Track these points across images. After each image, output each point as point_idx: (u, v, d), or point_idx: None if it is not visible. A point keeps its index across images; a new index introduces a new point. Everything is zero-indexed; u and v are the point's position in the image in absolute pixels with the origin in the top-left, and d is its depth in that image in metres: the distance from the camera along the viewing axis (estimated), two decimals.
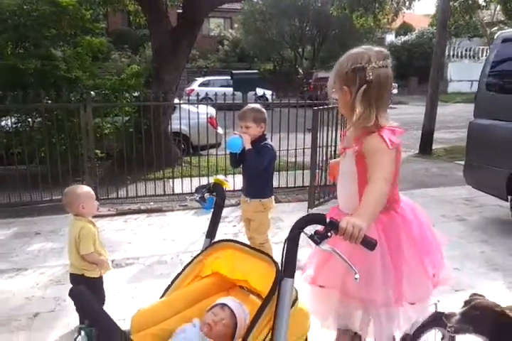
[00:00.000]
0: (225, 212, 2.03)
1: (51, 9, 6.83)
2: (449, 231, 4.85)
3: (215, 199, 2.10)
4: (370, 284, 1.90)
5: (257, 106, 3.59)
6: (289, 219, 5.45)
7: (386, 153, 1.78)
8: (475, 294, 2.23)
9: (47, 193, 5.98)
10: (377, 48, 1.91)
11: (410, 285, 1.96)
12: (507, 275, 4.01)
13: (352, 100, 1.85)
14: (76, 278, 3.02)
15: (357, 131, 1.92)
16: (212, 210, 6.05)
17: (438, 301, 2.25)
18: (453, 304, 2.20)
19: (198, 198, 2.03)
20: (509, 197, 5.02)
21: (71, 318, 3.24)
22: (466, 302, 2.11)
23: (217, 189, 2.05)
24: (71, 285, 3.11)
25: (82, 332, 1.39)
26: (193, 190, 6.42)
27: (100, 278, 3.03)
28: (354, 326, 2.11)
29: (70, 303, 3.35)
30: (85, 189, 2.98)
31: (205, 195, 2.04)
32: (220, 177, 2.10)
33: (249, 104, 3.65)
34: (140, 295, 3.56)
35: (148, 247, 4.66)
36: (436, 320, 2.26)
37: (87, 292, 1.37)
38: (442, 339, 2.44)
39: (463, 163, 5.83)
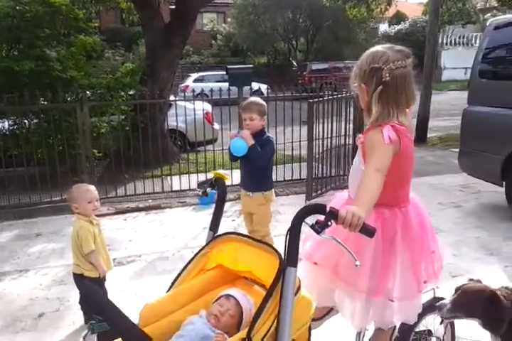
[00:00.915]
0: (225, 206, 2.07)
1: (44, 10, 6.82)
2: (446, 217, 4.92)
3: (216, 193, 2.14)
4: (357, 271, 1.94)
5: (259, 99, 3.66)
6: (287, 211, 5.49)
7: (382, 147, 1.82)
8: (471, 279, 2.29)
9: (46, 194, 6.02)
10: (398, 47, 1.93)
11: (395, 283, 2.01)
12: (502, 259, 4.08)
13: (369, 99, 1.91)
14: (77, 278, 3.07)
15: (368, 124, 1.97)
16: (210, 205, 6.07)
17: (437, 287, 2.30)
18: (451, 290, 2.25)
19: (200, 193, 2.07)
20: (504, 183, 5.08)
21: (76, 317, 3.30)
22: (457, 289, 2.16)
23: (218, 183, 2.09)
24: (74, 285, 3.17)
25: (94, 328, 1.42)
26: (192, 187, 6.48)
27: (100, 279, 3.06)
28: (331, 303, 2.21)
29: (74, 303, 3.43)
30: (82, 189, 3.00)
31: (208, 189, 2.08)
32: (221, 171, 2.14)
33: (250, 97, 3.70)
34: (143, 292, 3.62)
35: (149, 244, 4.71)
36: (435, 305, 2.32)
37: (99, 290, 1.40)
38: (441, 323, 2.50)
39: (458, 150, 5.87)
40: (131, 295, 3.57)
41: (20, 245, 4.79)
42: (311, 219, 1.62)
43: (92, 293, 1.41)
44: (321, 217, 1.60)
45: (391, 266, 1.98)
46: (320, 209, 1.61)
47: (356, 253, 1.57)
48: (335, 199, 2.24)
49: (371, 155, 1.85)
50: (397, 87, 1.88)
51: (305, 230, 1.64)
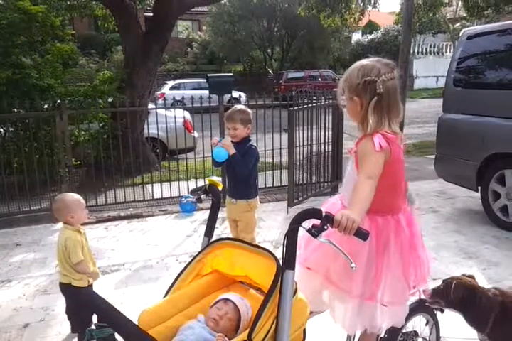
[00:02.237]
0: (207, 214, 2.09)
1: (20, 17, 6.75)
2: (424, 223, 5.03)
3: (196, 204, 2.17)
4: (350, 276, 2.02)
5: (244, 107, 3.65)
6: (269, 218, 5.55)
7: (372, 155, 1.90)
8: (463, 274, 2.39)
9: (25, 204, 5.94)
10: (384, 60, 2.03)
11: (387, 287, 2.06)
12: (480, 262, 4.20)
13: (364, 111, 1.98)
14: (64, 287, 3.04)
15: (361, 134, 2.04)
16: (192, 213, 6.06)
17: (421, 289, 2.37)
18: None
19: (194, 200, 2.10)
20: (479, 188, 5.24)
21: (62, 327, 3.27)
22: (444, 280, 2.28)
23: (212, 189, 2.13)
24: (61, 295, 3.14)
25: (93, 334, 1.44)
26: (173, 195, 6.48)
27: (89, 287, 3.05)
28: (322, 308, 2.26)
29: (59, 312, 3.40)
30: (75, 197, 3.00)
31: (202, 196, 2.11)
32: (214, 178, 2.18)
33: (235, 106, 3.70)
34: (129, 300, 3.60)
35: (132, 253, 4.68)
36: (421, 306, 2.40)
37: (99, 296, 1.42)
38: (426, 324, 2.58)
39: (433, 157, 6.02)
40: (117, 304, 3.54)
41: (0, 255, 4.71)
42: (307, 224, 1.67)
43: (94, 299, 1.42)
44: (317, 222, 1.65)
45: (383, 272, 2.04)
46: (316, 213, 1.66)
47: (351, 258, 1.63)
48: (327, 205, 2.29)
49: (363, 163, 1.92)
50: (390, 97, 1.97)
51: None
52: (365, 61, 2.04)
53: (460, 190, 5.93)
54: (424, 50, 27.06)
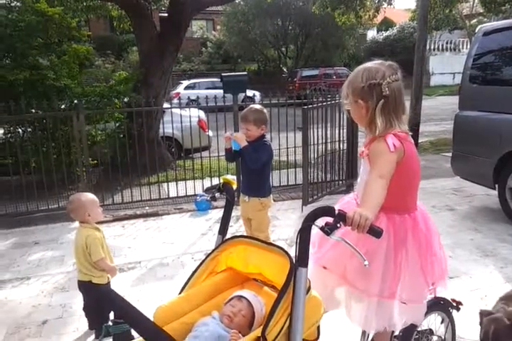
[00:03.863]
0: (221, 212, 2.11)
1: (37, 19, 6.86)
2: (440, 221, 4.99)
3: (210, 202, 2.18)
4: (368, 275, 2.01)
5: (259, 107, 3.64)
6: (284, 217, 5.56)
7: (386, 155, 1.90)
8: (484, 314, 2.28)
9: (43, 203, 6.03)
10: (388, 63, 2.04)
11: (406, 285, 2.06)
12: (498, 260, 4.16)
13: (370, 114, 1.99)
14: (84, 285, 3.09)
15: (370, 137, 2.04)
16: (207, 212, 6.09)
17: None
18: (448, 290, 2.31)
19: (209, 198, 2.12)
20: (496, 186, 5.18)
21: (79, 323, 3.32)
22: (486, 336, 2.18)
23: (226, 188, 2.14)
24: (79, 292, 3.20)
25: (110, 330, 1.47)
26: (188, 193, 6.54)
27: (108, 284, 3.10)
28: (336, 308, 2.25)
29: (77, 309, 3.45)
30: (90, 196, 3.05)
31: (216, 194, 2.12)
32: (228, 176, 2.19)
33: (251, 105, 3.69)
34: (145, 297, 3.64)
35: (148, 251, 4.73)
36: (436, 304, 2.39)
37: (115, 293, 1.45)
38: (442, 322, 2.56)
39: (450, 154, 5.97)
40: (133, 301, 3.56)
41: (20, 253, 4.79)
42: (320, 222, 1.68)
43: (112, 296, 1.45)
44: (330, 219, 1.66)
45: (402, 270, 2.04)
46: (329, 211, 1.67)
47: (368, 257, 1.63)
48: (341, 203, 2.29)
49: (376, 162, 1.93)
50: (396, 98, 1.98)
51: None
52: (368, 64, 2.05)
53: (477, 188, 5.87)
54: (440, 47, 26.79)
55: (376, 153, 1.94)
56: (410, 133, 2.08)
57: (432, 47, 26.07)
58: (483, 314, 2.25)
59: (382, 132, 1.96)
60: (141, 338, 1.62)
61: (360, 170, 2.21)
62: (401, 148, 1.94)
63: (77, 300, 3.44)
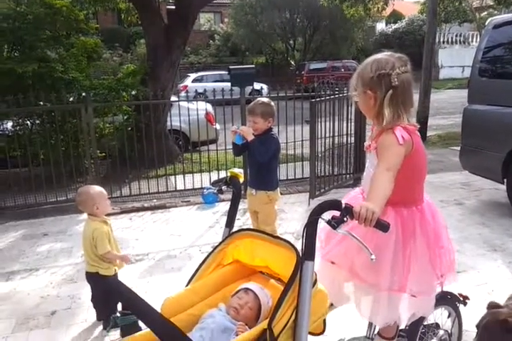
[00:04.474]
0: (228, 205, 2.12)
1: (45, 11, 6.87)
2: (448, 215, 4.98)
3: (217, 195, 2.19)
4: (377, 269, 2.01)
5: (267, 100, 3.64)
6: (291, 210, 5.56)
7: (394, 147, 1.89)
8: (490, 305, 2.26)
9: (51, 195, 6.07)
10: (397, 54, 2.03)
11: (415, 277, 2.06)
12: (506, 255, 4.15)
13: (379, 104, 1.98)
14: (91, 276, 3.13)
15: (379, 129, 2.03)
16: (214, 205, 6.10)
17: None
18: (455, 285, 2.30)
19: (215, 191, 2.13)
20: (505, 180, 5.15)
21: (88, 315, 3.36)
22: (477, 327, 2.17)
23: (233, 181, 2.15)
24: (87, 284, 3.23)
25: (118, 321, 1.48)
26: (195, 186, 6.56)
27: (115, 276, 3.13)
28: (344, 303, 2.26)
29: (85, 300, 3.49)
30: (98, 189, 3.08)
31: (223, 187, 2.13)
32: (235, 170, 2.19)
33: (258, 98, 3.68)
34: (153, 289, 3.67)
35: (155, 243, 4.76)
36: (443, 298, 2.38)
37: (123, 285, 1.46)
38: (448, 317, 2.56)
39: (458, 148, 5.94)
40: (142, 293, 3.61)
41: (28, 245, 4.84)
42: (326, 216, 1.68)
43: (119, 288, 1.47)
44: (337, 213, 1.66)
45: (412, 262, 2.04)
46: (335, 205, 1.67)
47: (376, 250, 1.63)
48: (348, 198, 2.29)
49: (383, 155, 1.92)
50: (405, 90, 1.97)
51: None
52: (378, 55, 2.04)
53: (485, 182, 5.85)
54: (449, 40, 26.53)
55: (384, 146, 1.93)
56: (418, 126, 2.07)
57: (442, 40, 25.83)
58: (490, 305, 2.25)
59: (390, 123, 1.95)
60: (148, 329, 1.63)
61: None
62: (410, 140, 1.93)
63: (86, 291, 3.47)
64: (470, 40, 26.48)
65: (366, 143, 2.13)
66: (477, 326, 2.16)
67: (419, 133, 2.08)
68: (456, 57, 24.93)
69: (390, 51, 2.09)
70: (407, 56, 2.06)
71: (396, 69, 1.95)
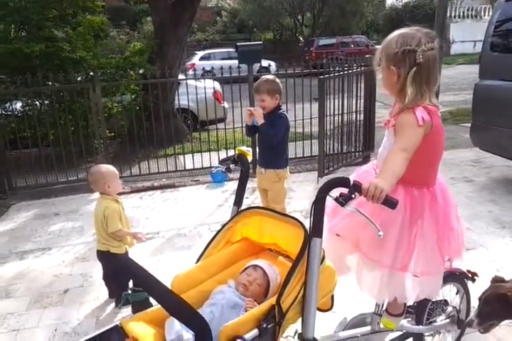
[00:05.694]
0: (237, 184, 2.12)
1: None
2: (458, 192, 4.95)
3: (226, 173, 2.20)
4: (381, 246, 2.01)
5: (271, 77, 3.62)
6: (300, 188, 5.57)
7: (413, 128, 1.85)
8: (494, 279, 2.28)
9: (62, 174, 6.12)
10: (425, 30, 1.95)
11: (419, 258, 2.05)
12: None
13: (402, 81, 1.92)
14: (102, 255, 3.18)
15: (400, 106, 1.98)
16: (223, 183, 6.12)
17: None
18: (464, 262, 2.31)
19: (224, 169, 2.13)
20: None
21: (99, 292, 3.42)
22: (479, 299, 2.18)
23: (241, 159, 2.15)
24: (99, 262, 3.29)
25: (129, 298, 1.50)
26: (204, 165, 6.57)
27: (126, 254, 3.17)
28: (347, 274, 2.25)
29: (96, 279, 3.55)
30: (110, 168, 3.10)
31: (231, 165, 2.13)
32: (243, 148, 2.18)
33: (263, 76, 3.67)
34: (164, 267, 3.72)
35: (166, 222, 4.81)
36: (451, 275, 2.39)
37: (134, 262, 1.49)
38: (457, 293, 2.58)
39: (469, 125, 5.87)
40: (152, 270, 3.64)
41: (40, 224, 4.91)
42: (335, 193, 1.68)
43: (130, 265, 1.49)
44: (345, 190, 1.66)
45: (417, 242, 2.03)
46: (344, 182, 1.66)
47: (382, 227, 1.63)
48: (359, 172, 2.27)
49: (401, 135, 1.88)
50: (429, 68, 1.91)
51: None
52: (404, 30, 1.96)
53: (496, 159, 5.79)
54: (461, 14, 25.97)
55: (403, 125, 1.89)
56: (440, 107, 2.02)
57: (453, 14, 25.30)
58: (494, 279, 2.27)
59: (412, 102, 1.90)
60: (159, 306, 1.66)
61: (382, 141, 2.15)
62: (429, 121, 1.88)
63: (97, 269, 3.53)
64: (482, 14, 25.90)
65: (385, 119, 2.10)
66: (479, 298, 2.19)
67: (440, 114, 2.04)
68: (468, 32, 24.41)
69: (402, 26, 2.02)
70: None
71: (422, 45, 1.87)
